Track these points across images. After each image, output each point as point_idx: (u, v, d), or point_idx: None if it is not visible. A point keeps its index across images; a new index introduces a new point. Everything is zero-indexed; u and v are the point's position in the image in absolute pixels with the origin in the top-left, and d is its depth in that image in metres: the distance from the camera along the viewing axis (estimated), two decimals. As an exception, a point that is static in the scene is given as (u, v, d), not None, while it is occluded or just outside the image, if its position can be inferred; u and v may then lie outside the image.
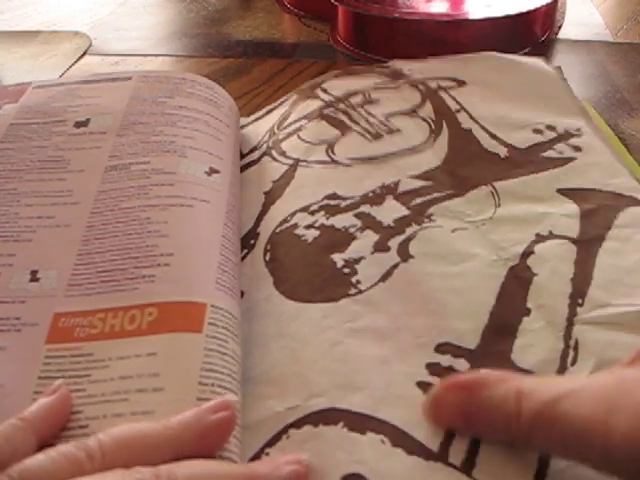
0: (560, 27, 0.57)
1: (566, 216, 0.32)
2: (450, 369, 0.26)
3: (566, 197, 0.33)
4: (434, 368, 0.26)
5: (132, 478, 0.19)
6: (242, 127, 0.41)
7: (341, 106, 0.41)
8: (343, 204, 0.33)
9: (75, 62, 0.55)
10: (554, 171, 0.35)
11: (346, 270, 0.30)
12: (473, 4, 0.52)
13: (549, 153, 0.37)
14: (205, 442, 0.21)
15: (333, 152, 0.37)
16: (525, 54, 0.49)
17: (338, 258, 0.30)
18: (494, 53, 0.45)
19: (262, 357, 0.27)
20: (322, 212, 0.33)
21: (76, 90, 0.38)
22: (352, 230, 0.32)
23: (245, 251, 0.32)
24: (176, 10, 0.65)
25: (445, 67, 0.44)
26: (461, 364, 0.26)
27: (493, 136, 0.38)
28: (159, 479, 0.19)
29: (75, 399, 0.23)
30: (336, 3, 0.53)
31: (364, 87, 0.42)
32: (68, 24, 0.63)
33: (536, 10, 0.51)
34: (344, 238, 0.31)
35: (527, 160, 0.36)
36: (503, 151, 0.37)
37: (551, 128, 0.39)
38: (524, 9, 0.49)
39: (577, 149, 0.37)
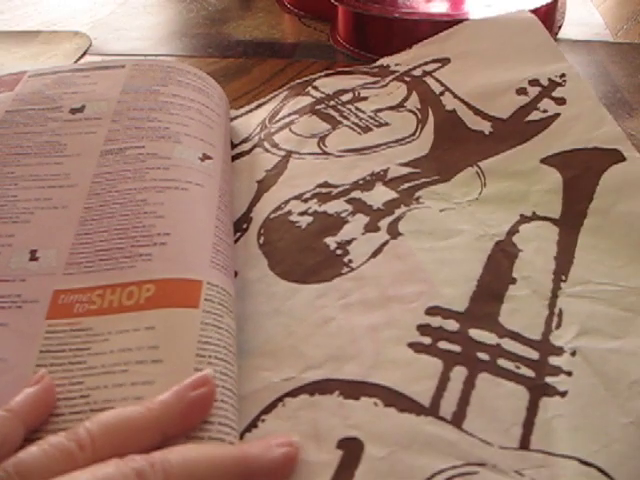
0: (560, 27, 0.57)
1: (550, 191, 0.34)
2: (440, 329, 0.27)
3: (549, 166, 0.35)
4: (425, 329, 0.27)
5: (128, 468, 0.19)
6: (232, 119, 0.43)
7: (331, 103, 0.43)
8: (335, 191, 0.35)
9: (75, 62, 0.55)
10: (538, 137, 0.37)
11: (339, 252, 0.32)
12: (473, 4, 0.52)
13: (533, 115, 0.38)
14: (188, 419, 0.22)
15: (325, 144, 0.39)
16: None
17: (331, 241, 0.32)
18: (473, 20, 0.47)
19: (256, 332, 0.28)
20: (315, 199, 0.35)
21: (70, 78, 0.39)
22: (344, 215, 0.34)
23: (238, 234, 0.34)
24: (176, 10, 0.66)
25: (428, 50, 0.46)
26: (451, 324, 0.28)
27: (477, 111, 0.40)
28: (153, 467, 0.20)
29: (75, 371, 0.24)
30: (336, 3, 0.53)
31: (353, 85, 0.44)
32: (68, 24, 0.63)
33: (536, 10, 0.51)
34: (336, 222, 0.33)
35: (511, 131, 0.38)
36: (487, 127, 0.39)
37: (535, 82, 0.40)
38: (524, 9, 0.49)
39: (561, 101, 0.39)
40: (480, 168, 0.36)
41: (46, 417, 0.23)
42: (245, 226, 0.34)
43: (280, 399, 0.25)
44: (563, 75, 0.40)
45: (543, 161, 0.36)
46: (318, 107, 0.42)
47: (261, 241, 0.33)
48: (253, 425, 0.25)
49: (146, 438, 0.21)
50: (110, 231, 0.29)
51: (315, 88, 0.44)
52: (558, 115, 0.38)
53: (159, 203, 0.30)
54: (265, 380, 0.26)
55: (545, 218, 0.33)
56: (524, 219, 0.33)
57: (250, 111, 0.44)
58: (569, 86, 0.40)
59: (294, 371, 0.26)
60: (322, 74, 0.46)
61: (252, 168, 0.38)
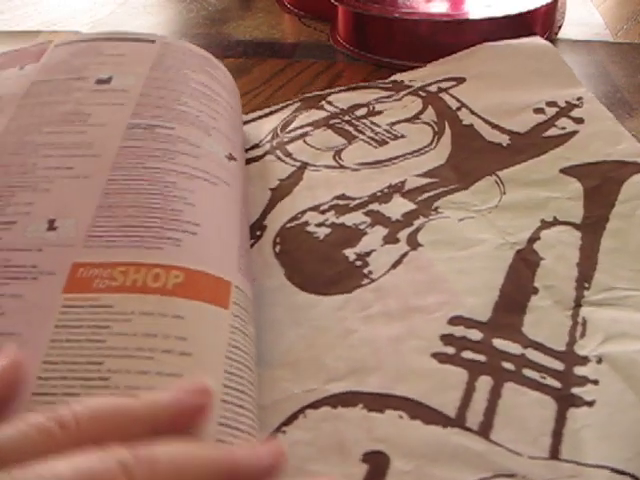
0: (560, 27, 0.58)
1: (570, 199, 0.35)
2: (464, 339, 0.27)
3: (569, 176, 0.36)
4: (448, 339, 0.27)
5: (112, 460, 0.18)
6: (243, 123, 0.43)
7: (346, 118, 0.43)
8: (352, 204, 0.36)
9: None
10: (556, 151, 0.38)
11: (358, 263, 0.32)
12: (473, 4, 0.52)
13: (551, 131, 0.39)
14: (181, 425, 0.21)
15: (341, 158, 0.40)
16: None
17: (350, 252, 0.32)
18: (488, 43, 0.48)
19: (276, 342, 0.28)
20: (332, 211, 0.35)
21: (98, 47, 0.38)
22: (362, 226, 0.34)
23: (252, 241, 0.34)
24: (176, 10, 0.66)
25: (444, 69, 0.47)
26: (474, 334, 0.28)
27: (494, 126, 0.41)
28: (139, 461, 0.18)
29: (94, 349, 0.23)
30: (336, 3, 0.53)
31: (368, 100, 0.45)
32: (68, 24, 0.63)
33: (536, 10, 0.51)
34: (355, 234, 0.34)
35: (529, 144, 0.39)
36: (505, 139, 0.40)
37: (552, 104, 0.42)
38: (524, 9, 0.49)
39: (579, 121, 0.40)
40: (499, 177, 0.37)
41: (15, 394, 0.21)
42: (259, 233, 0.34)
43: (301, 410, 0.25)
44: (580, 98, 0.41)
45: (562, 171, 0.36)
46: (333, 121, 0.43)
47: (277, 250, 0.33)
48: (274, 435, 0.24)
49: (134, 431, 0.20)
50: (136, 207, 0.28)
51: (329, 103, 0.45)
52: (576, 132, 0.39)
53: (189, 190, 0.29)
54: (286, 391, 0.26)
55: (566, 223, 0.33)
56: (545, 224, 0.33)
57: (260, 117, 0.45)
58: (586, 108, 0.41)
59: (316, 383, 0.26)
60: (335, 90, 0.47)
61: (264, 175, 0.39)
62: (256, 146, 0.41)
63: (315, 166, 0.39)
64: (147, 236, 0.27)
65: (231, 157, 0.34)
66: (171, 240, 0.27)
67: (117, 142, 0.31)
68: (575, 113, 0.40)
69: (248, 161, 0.40)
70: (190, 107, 0.35)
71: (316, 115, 0.44)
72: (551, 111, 0.41)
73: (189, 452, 0.20)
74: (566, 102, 0.41)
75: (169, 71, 0.37)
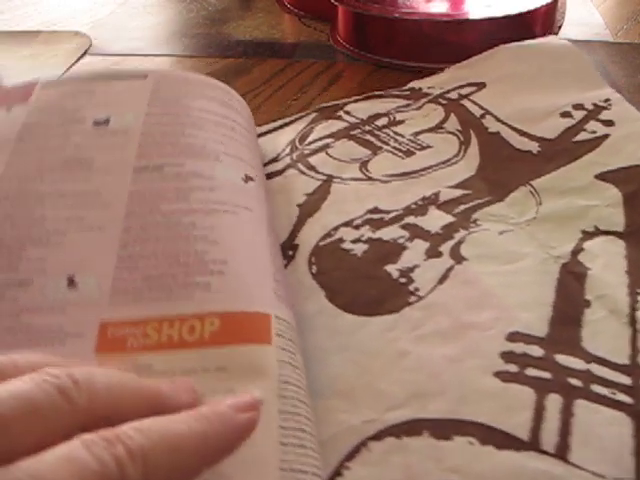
0: (560, 27, 0.58)
1: (609, 206, 0.34)
2: (525, 356, 0.26)
3: (605, 182, 0.35)
4: (509, 356, 0.26)
5: (51, 386, 0.18)
6: (258, 135, 0.42)
7: (367, 128, 0.42)
8: (387, 217, 0.35)
9: (75, 62, 0.55)
10: (589, 156, 0.37)
11: (402, 280, 0.31)
12: (473, 4, 0.52)
13: (581, 136, 0.38)
14: (230, 442, 0.21)
15: (367, 170, 0.38)
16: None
17: (392, 269, 0.31)
18: (505, 45, 0.47)
19: (324, 370, 0.27)
20: (367, 226, 0.34)
21: (90, 87, 0.37)
22: (401, 241, 0.33)
23: (284, 262, 0.32)
24: (176, 10, 0.66)
25: (462, 74, 0.46)
26: (535, 350, 0.27)
27: (522, 133, 0.40)
28: (79, 391, 0.18)
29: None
30: (336, 3, 0.53)
31: (387, 109, 0.44)
32: (68, 24, 0.63)
33: (536, 10, 0.51)
34: (394, 249, 0.32)
35: (560, 150, 0.38)
36: (534, 146, 0.39)
37: (579, 107, 0.41)
38: (524, 9, 0.49)
39: (609, 124, 0.39)
40: (533, 187, 0.36)
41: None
42: (291, 253, 0.33)
43: (363, 443, 0.24)
44: (607, 100, 0.41)
45: (598, 177, 0.35)
46: (354, 132, 0.42)
47: (314, 270, 0.32)
48: (337, 474, 0.23)
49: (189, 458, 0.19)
50: (158, 256, 0.27)
51: (347, 113, 0.44)
52: (608, 136, 0.38)
53: (209, 227, 0.28)
54: (343, 423, 0.24)
55: (609, 232, 0.32)
56: (587, 235, 0.32)
57: (275, 129, 0.43)
58: (615, 109, 0.40)
59: (374, 412, 0.25)
60: (351, 99, 0.46)
61: (288, 190, 0.37)
62: (274, 160, 0.40)
63: (341, 179, 0.38)
64: (174, 286, 0.26)
65: (248, 178, 0.33)
66: (200, 286, 0.25)
67: (125, 188, 0.30)
68: (604, 115, 0.39)
69: (268, 176, 0.38)
70: (195, 137, 0.33)
71: (335, 126, 0.42)
72: (579, 114, 0.40)
73: (163, 425, 0.19)
74: (593, 104, 0.40)
75: (167, 104, 0.36)
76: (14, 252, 0.27)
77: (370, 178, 0.38)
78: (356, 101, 0.45)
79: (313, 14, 0.63)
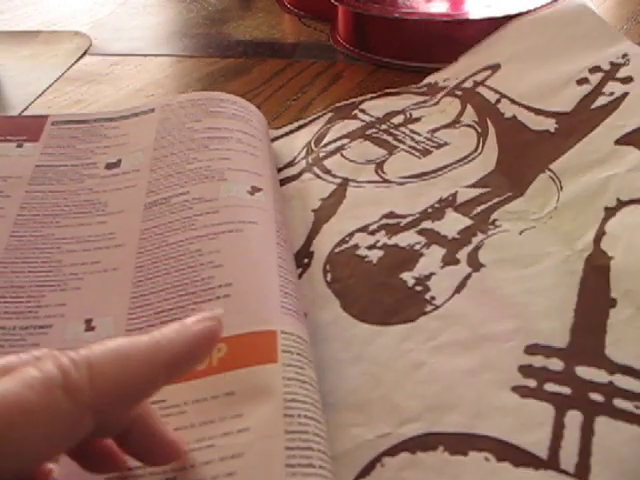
0: (560, 27, 0.57)
1: (630, 171, 0.32)
2: (545, 370, 0.26)
3: (626, 145, 0.33)
4: (527, 370, 0.26)
5: (52, 366, 0.18)
6: (272, 140, 0.42)
7: (383, 127, 0.41)
8: (403, 222, 0.34)
9: (75, 62, 0.55)
10: (608, 121, 0.35)
11: (418, 288, 0.30)
12: (473, 4, 0.52)
13: (600, 100, 0.36)
14: (188, 351, 0.20)
15: (383, 171, 0.37)
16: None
17: (408, 277, 0.30)
18: (517, 20, 0.45)
19: (339, 382, 0.26)
20: (382, 232, 0.33)
21: (99, 129, 0.39)
22: (417, 247, 0.32)
23: (299, 270, 0.32)
24: (176, 10, 0.66)
25: (476, 59, 0.44)
26: (555, 363, 0.26)
27: (538, 112, 0.38)
28: (78, 369, 0.18)
29: None
30: (336, 3, 0.53)
31: (403, 107, 0.43)
32: (68, 24, 0.64)
33: (536, 10, 0.51)
34: (410, 256, 0.31)
35: (578, 122, 0.36)
36: (551, 124, 0.37)
37: (596, 69, 0.38)
38: (524, 9, 0.49)
39: (628, 80, 0.36)
40: (553, 172, 0.34)
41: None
42: (306, 261, 0.32)
43: (378, 459, 0.23)
44: (625, 55, 0.37)
45: (618, 142, 0.33)
46: (369, 132, 0.41)
47: (329, 278, 0.31)
48: None
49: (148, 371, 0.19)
50: (168, 289, 0.28)
51: (362, 111, 0.43)
52: (627, 94, 0.35)
53: (215, 251, 0.29)
54: (357, 438, 0.24)
55: (630, 201, 0.30)
56: (609, 212, 0.30)
57: (291, 132, 0.43)
58: (634, 63, 0.37)
59: (389, 426, 0.24)
60: (367, 97, 0.45)
61: (304, 195, 0.37)
62: (290, 164, 0.39)
63: (357, 182, 0.37)
64: (183, 317, 0.26)
65: (254, 189, 0.33)
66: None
67: (138, 226, 0.31)
68: (622, 73, 0.36)
69: (284, 181, 0.38)
70: (200, 161, 0.34)
71: (351, 126, 0.41)
72: (596, 78, 0.37)
73: (115, 345, 0.19)
74: (610, 63, 0.37)
75: (173, 133, 0.36)
76: (34, 298, 0.29)
77: (386, 180, 0.37)
78: (372, 98, 0.44)
79: (313, 14, 0.63)
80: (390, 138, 0.40)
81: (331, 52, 0.55)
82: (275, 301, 0.27)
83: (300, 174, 0.38)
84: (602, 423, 0.23)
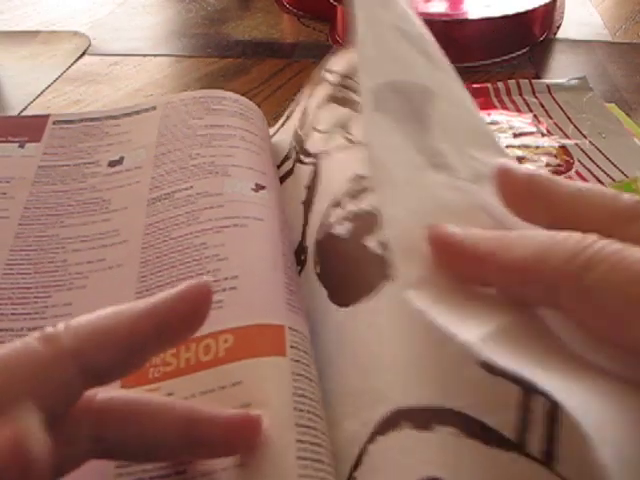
0: (559, 27, 0.57)
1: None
2: None
3: None
4: None
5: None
6: (271, 137, 0.42)
7: (347, 82, 0.37)
8: (365, 182, 0.30)
9: (74, 62, 0.55)
10: None
11: (380, 251, 0.26)
12: (472, 4, 0.52)
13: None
14: (181, 310, 0.20)
15: (350, 133, 0.34)
16: (524, 54, 0.49)
17: (371, 242, 0.27)
18: None
19: (330, 376, 0.25)
20: (347, 198, 0.30)
21: (101, 127, 0.38)
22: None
23: (299, 268, 0.31)
24: (175, 10, 0.66)
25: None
26: None
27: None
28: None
29: None
30: (336, 3, 0.53)
31: None
32: (67, 24, 0.63)
33: (535, 10, 0.51)
34: (373, 219, 0.27)
35: None
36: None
37: None
38: (523, 9, 0.49)
39: None
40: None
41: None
42: (303, 257, 0.31)
43: (364, 449, 0.22)
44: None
45: None
46: (333, 91, 0.36)
47: (318, 270, 0.30)
48: None
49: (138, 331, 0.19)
50: (173, 282, 0.28)
51: (328, 71, 0.38)
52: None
53: (219, 245, 0.29)
54: (345, 431, 0.23)
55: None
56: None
57: (283, 124, 0.42)
58: None
59: (368, 410, 0.23)
60: (330, 54, 0.40)
61: (295, 189, 0.35)
62: (286, 158, 0.38)
63: (327, 152, 0.34)
64: None
65: (258, 187, 0.33)
66: (213, 304, 0.26)
67: (142, 222, 0.31)
68: None
69: (283, 178, 0.37)
70: (203, 157, 0.34)
71: (321, 92, 0.37)
72: None
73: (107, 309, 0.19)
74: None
75: (175, 130, 0.36)
76: (40, 298, 0.29)
77: (352, 142, 0.33)
78: (334, 53, 0.39)
79: (312, 14, 0.62)
80: (353, 94, 0.35)
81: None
82: (281, 297, 0.27)
83: (293, 167, 0.37)
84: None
